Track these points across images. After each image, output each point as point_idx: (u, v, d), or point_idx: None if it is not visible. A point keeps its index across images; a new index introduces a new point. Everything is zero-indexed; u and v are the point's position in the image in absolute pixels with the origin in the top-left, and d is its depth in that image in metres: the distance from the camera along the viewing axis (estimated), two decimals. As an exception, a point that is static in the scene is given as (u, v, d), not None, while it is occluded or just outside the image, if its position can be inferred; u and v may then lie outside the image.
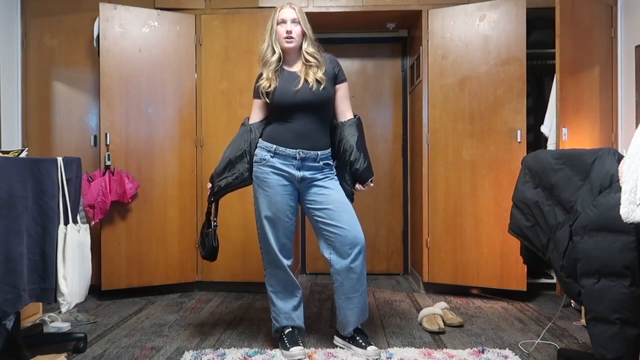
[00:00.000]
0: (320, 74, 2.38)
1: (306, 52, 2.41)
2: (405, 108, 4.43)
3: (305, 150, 2.37)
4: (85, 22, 3.64)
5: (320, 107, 2.40)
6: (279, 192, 2.38)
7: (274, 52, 2.41)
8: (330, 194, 2.41)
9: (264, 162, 2.39)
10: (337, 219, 2.37)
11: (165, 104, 3.61)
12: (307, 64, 2.41)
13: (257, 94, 2.48)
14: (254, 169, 2.44)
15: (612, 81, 3.48)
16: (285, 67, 2.45)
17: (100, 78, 3.46)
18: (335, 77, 2.47)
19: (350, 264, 2.37)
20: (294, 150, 2.36)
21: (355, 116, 2.52)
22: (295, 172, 2.38)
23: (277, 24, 2.40)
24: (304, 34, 2.42)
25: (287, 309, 2.47)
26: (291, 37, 2.39)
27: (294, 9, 2.42)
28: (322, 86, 2.37)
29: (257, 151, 2.43)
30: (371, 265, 4.44)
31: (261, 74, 2.47)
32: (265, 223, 2.40)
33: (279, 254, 2.42)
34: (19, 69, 3.73)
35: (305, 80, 2.37)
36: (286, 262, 2.44)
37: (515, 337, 2.67)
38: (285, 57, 2.44)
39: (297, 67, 2.45)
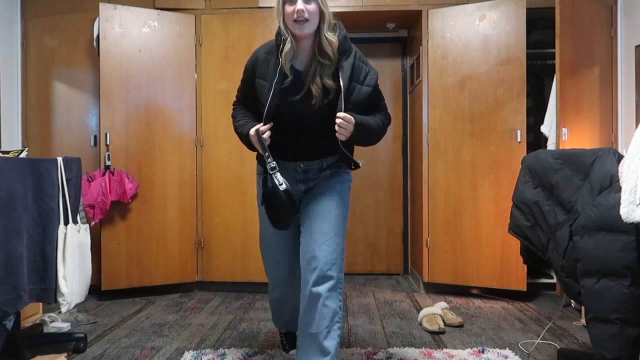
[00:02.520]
0: (329, 81, 1.82)
1: (326, 38, 1.79)
2: (405, 108, 4.43)
3: (306, 162, 1.95)
4: (85, 22, 3.64)
5: (325, 121, 1.84)
6: None
7: (291, 40, 1.81)
8: (325, 196, 1.92)
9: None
10: (313, 226, 1.87)
11: (165, 104, 3.61)
12: (320, 61, 1.82)
13: None
14: (257, 180, 2.09)
15: (612, 81, 3.48)
16: (292, 64, 1.85)
17: (100, 78, 3.46)
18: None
19: (311, 288, 1.81)
20: (294, 163, 1.95)
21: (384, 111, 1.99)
22: (297, 186, 1.96)
23: (285, 1, 1.80)
24: (321, 15, 1.80)
25: (286, 319, 2.27)
26: (304, 19, 1.76)
27: None
28: (329, 97, 1.83)
29: (258, 164, 2.08)
30: (371, 265, 4.46)
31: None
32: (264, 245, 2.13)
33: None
34: (19, 69, 3.72)
35: (309, 91, 1.83)
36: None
37: (515, 337, 2.67)
38: (295, 47, 1.83)
39: (305, 64, 1.87)
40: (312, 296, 1.80)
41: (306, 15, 1.76)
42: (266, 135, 1.83)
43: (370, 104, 1.90)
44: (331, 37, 1.80)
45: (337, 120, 1.77)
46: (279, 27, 1.81)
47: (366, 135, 1.88)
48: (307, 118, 1.87)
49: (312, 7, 1.77)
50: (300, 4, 1.75)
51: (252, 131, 1.83)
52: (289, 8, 1.78)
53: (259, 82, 1.89)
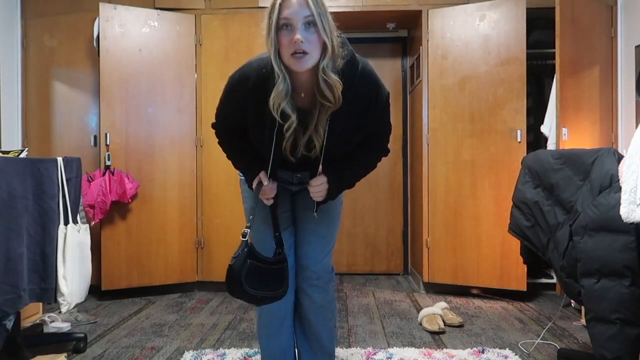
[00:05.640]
0: (324, 123, 1.55)
1: (325, 79, 1.47)
2: (405, 108, 4.43)
3: (303, 172, 1.74)
4: (85, 22, 3.64)
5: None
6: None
7: (285, 78, 1.49)
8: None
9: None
10: (306, 230, 1.80)
11: (165, 104, 3.61)
12: (321, 102, 1.51)
13: None
14: (242, 187, 1.98)
15: (612, 81, 3.48)
16: (292, 102, 1.54)
17: (100, 78, 3.46)
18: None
19: (306, 288, 1.81)
20: (290, 172, 1.76)
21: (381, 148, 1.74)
22: (290, 187, 1.81)
23: (278, 27, 1.45)
24: (324, 46, 1.47)
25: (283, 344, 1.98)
26: (302, 52, 1.43)
27: None
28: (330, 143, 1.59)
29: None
30: (371, 265, 4.45)
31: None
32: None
33: None
34: (19, 69, 3.72)
35: (309, 139, 1.59)
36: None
37: (515, 337, 2.67)
38: (292, 82, 1.52)
39: (304, 102, 1.57)
40: (306, 297, 1.82)
41: (305, 46, 1.42)
42: (274, 189, 1.69)
43: (367, 137, 1.67)
44: (332, 79, 1.47)
45: (309, 188, 1.65)
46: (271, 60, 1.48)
47: (347, 186, 1.72)
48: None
49: (313, 37, 1.44)
50: (298, 33, 1.42)
51: (265, 184, 1.67)
52: (285, 38, 1.43)
53: (252, 121, 1.61)
